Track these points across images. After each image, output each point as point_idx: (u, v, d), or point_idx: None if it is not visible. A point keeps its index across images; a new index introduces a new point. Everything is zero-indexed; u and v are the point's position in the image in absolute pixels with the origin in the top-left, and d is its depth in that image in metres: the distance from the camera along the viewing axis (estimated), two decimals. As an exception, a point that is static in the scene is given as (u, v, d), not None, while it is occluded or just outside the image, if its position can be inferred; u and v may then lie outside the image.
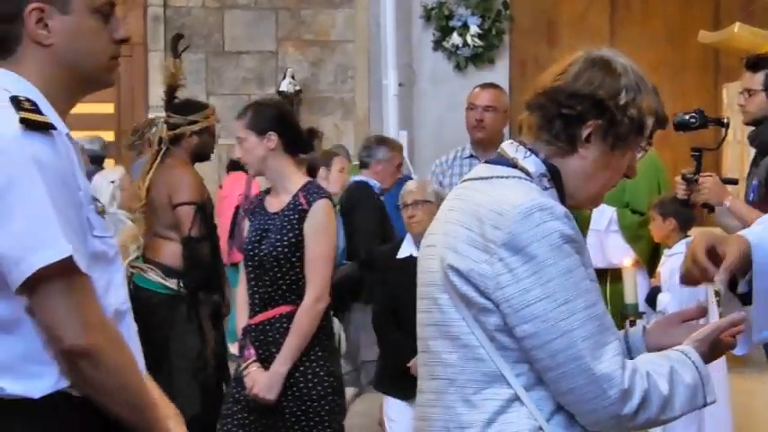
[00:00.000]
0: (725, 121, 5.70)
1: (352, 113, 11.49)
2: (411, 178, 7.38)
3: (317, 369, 4.94)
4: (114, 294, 2.56)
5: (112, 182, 7.82)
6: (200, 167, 6.40)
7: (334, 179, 8.18)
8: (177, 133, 6.17)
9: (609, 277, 6.46)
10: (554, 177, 2.67)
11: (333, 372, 5.01)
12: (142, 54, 11.14)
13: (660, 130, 2.74)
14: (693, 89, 10.99)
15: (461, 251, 2.59)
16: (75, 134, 2.64)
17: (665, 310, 6.18)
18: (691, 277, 2.71)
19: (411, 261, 5.86)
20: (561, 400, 2.57)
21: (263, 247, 4.97)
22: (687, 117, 5.55)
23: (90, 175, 6.37)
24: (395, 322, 5.88)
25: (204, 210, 6.11)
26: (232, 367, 5.64)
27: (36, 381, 2.45)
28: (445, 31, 11.01)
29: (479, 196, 2.63)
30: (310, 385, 4.93)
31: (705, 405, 2.65)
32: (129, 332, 2.58)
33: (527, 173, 2.65)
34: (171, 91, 6.34)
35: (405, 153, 8.61)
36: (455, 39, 10.97)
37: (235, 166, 9.49)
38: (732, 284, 2.73)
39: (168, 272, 6.04)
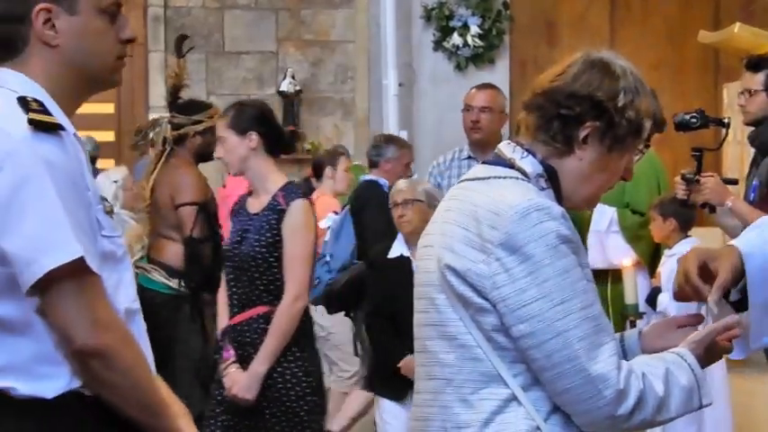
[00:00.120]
0: (726, 121, 5.70)
1: (352, 113, 11.49)
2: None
3: (296, 369, 4.93)
4: (124, 293, 2.57)
5: (115, 182, 7.83)
6: (203, 167, 6.41)
7: (340, 178, 8.19)
8: (181, 133, 6.18)
9: (610, 278, 6.47)
10: (551, 178, 2.67)
11: (312, 372, 5.00)
12: (142, 54, 11.14)
13: (657, 133, 2.74)
14: (693, 89, 10.99)
15: (458, 251, 2.59)
16: (74, 134, 2.64)
17: (665, 311, 6.19)
18: (683, 295, 2.71)
19: (402, 260, 5.86)
20: (557, 401, 2.57)
21: (242, 247, 4.98)
22: (688, 117, 5.54)
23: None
24: (386, 322, 5.87)
25: (206, 210, 6.12)
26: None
27: (48, 382, 2.45)
28: (445, 32, 11.01)
29: (476, 196, 2.63)
30: (289, 385, 4.92)
31: (701, 407, 2.65)
32: (140, 331, 2.59)
33: (524, 173, 2.66)
34: (175, 91, 6.35)
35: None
36: (455, 39, 10.96)
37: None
38: (725, 291, 2.73)
39: (171, 272, 6.05)
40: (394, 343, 5.76)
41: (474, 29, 10.94)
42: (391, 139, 7.61)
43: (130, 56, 2.67)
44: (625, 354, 2.75)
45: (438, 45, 11.09)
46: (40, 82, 2.52)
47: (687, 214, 6.40)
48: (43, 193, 2.37)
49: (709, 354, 2.67)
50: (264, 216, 4.96)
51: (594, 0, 11.31)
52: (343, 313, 6.86)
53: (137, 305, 2.62)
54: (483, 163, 2.77)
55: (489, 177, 2.67)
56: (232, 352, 5.01)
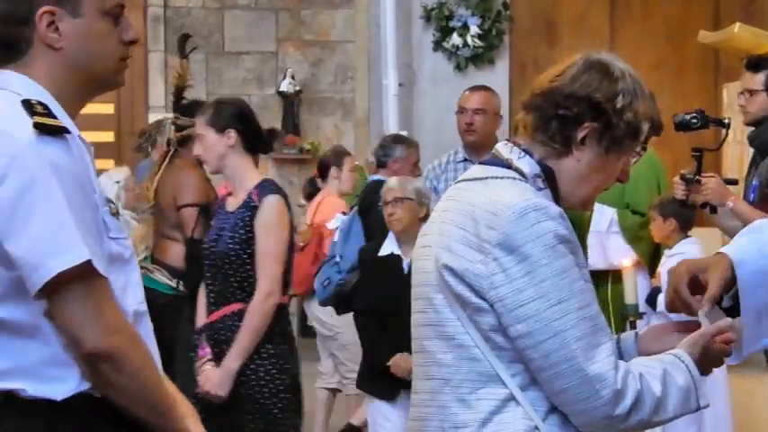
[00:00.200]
0: (726, 121, 5.69)
1: (352, 114, 11.50)
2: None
3: (269, 367, 4.92)
4: (132, 295, 2.57)
5: (117, 182, 7.84)
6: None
7: (345, 178, 8.17)
8: (185, 135, 6.18)
9: (610, 278, 6.46)
10: (548, 178, 2.67)
11: (287, 370, 4.97)
12: (142, 54, 11.15)
13: (655, 136, 2.75)
14: (693, 89, 11.00)
15: (456, 251, 2.59)
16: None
17: (665, 311, 6.18)
18: (674, 308, 2.72)
19: (393, 259, 5.86)
20: (554, 400, 2.57)
21: (219, 245, 4.99)
22: (689, 117, 5.53)
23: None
24: (376, 321, 5.87)
25: (208, 211, 6.12)
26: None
27: (57, 384, 2.46)
28: (445, 32, 11.02)
29: (474, 196, 2.63)
30: (263, 383, 4.91)
31: (698, 409, 2.65)
32: (147, 332, 2.60)
33: (521, 173, 2.66)
34: (178, 92, 6.35)
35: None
36: (455, 39, 10.97)
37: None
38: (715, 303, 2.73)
39: (174, 272, 6.05)
40: (384, 341, 5.76)
41: (474, 29, 10.95)
42: (399, 139, 7.58)
43: (130, 56, 2.67)
44: (621, 356, 2.75)
45: (438, 45, 11.10)
46: (44, 84, 2.52)
47: (687, 214, 6.40)
48: (50, 196, 2.37)
49: (707, 360, 2.67)
50: (239, 213, 4.96)
51: (594, 0, 11.32)
52: (352, 314, 6.85)
53: (144, 307, 2.62)
54: (480, 163, 2.77)
55: (487, 178, 2.67)
56: (208, 350, 5.01)
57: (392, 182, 6.07)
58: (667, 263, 6.44)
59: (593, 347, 2.52)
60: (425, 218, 5.82)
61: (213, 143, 5.02)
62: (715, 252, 2.74)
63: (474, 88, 6.81)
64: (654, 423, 2.62)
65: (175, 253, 6.09)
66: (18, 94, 2.47)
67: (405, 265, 5.75)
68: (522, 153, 2.68)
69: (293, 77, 11.33)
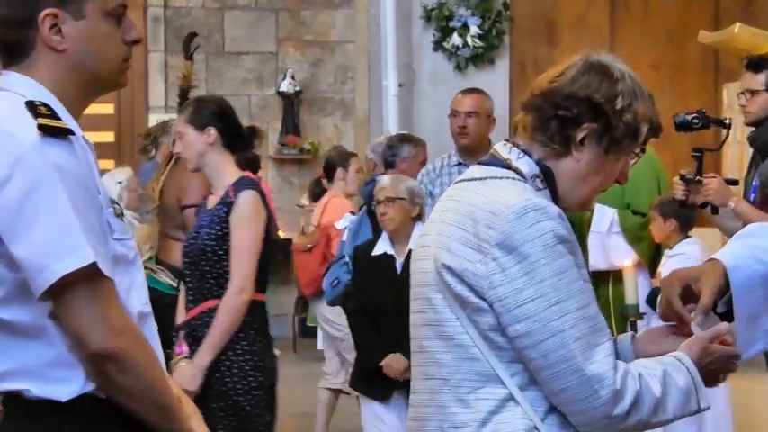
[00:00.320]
0: (727, 122, 5.68)
1: (352, 114, 11.50)
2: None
3: (243, 363, 4.91)
4: (137, 296, 2.57)
5: (120, 183, 7.84)
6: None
7: (351, 180, 8.18)
8: None
9: (611, 279, 6.46)
10: (547, 179, 2.68)
11: (261, 367, 4.95)
12: (142, 54, 11.16)
13: (654, 138, 2.75)
14: (693, 89, 11.00)
15: (455, 251, 2.60)
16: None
17: (663, 314, 6.17)
18: (668, 319, 2.73)
19: (386, 258, 5.85)
20: (553, 400, 2.57)
21: (197, 242, 4.99)
22: (689, 118, 5.52)
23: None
24: (369, 320, 5.86)
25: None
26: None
27: (62, 385, 2.46)
28: (445, 32, 11.03)
29: (473, 197, 2.63)
30: (236, 379, 4.90)
31: (699, 411, 2.65)
32: (152, 333, 2.60)
33: (520, 174, 2.66)
34: (184, 93, 6.36)
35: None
36: (455, 39, 10.98)
37: (245, 166, 9.47)
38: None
39: (178, 273, 6.06)
40: (377, 342, 5.75)
41: (474, 29, 10.95)
42: (406, 138, 7.57)
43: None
44: (617, 358, 2.75)
45: (438, 45, 11.10)
46: (47, 86, 2.52)
47: (687, 215, 6.40)
48: (54, 198, 2.37)
49: (702, 356, 2.66)
50: (216, 210, 4.97)
51: (594, 0, 11.33)
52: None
53: (149, 308, 2.62)
54: (479, 163, 2.77)
55: (486, 178, 2.67)
56: (185, 348, 5.00)
57: (384, 181, 6.06)
58: (668, 263, 6.44)
59: (591, 347, 2.52)
60: (418, 217, 5.83)
61: (193, 141, 5.03)
62: (708, 258, 2.75)
63: (466, 91, 6.80)
64: (654, 424, 2.61)
65: (179, 253, 6.09)
66: (22, 95, 2.47)
67: (398, 265, 5.75)
68: (521, 153, 2.69)
69: (293, 78, 11.33)
